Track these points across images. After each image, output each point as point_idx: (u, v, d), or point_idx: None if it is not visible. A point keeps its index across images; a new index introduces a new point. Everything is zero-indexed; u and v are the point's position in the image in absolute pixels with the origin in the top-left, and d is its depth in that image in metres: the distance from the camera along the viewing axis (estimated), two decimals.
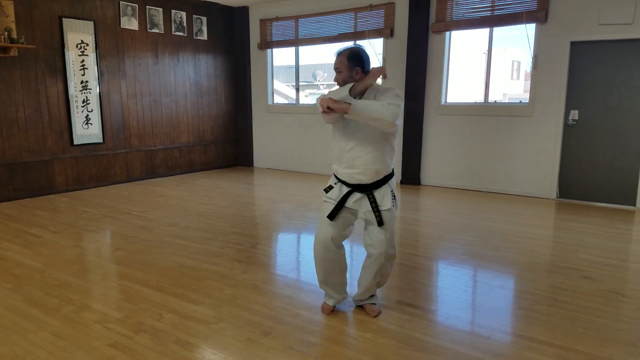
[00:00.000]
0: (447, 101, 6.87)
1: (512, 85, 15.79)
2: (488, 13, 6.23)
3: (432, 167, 7.01)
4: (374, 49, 7.37)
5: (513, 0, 6.04)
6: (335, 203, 2.72)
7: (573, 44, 5.76)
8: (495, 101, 6.77)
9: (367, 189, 2.69)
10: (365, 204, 2.70)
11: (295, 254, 4.19)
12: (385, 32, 7.05)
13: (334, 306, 2.90)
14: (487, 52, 6.47)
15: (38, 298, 3.10)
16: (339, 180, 2.76)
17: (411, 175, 7.11)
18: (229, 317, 2.83)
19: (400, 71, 7.01)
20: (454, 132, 6.75)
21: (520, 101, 6.35)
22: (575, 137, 5.90)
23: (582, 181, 5.92)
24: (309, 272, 3.58)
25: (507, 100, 8.29)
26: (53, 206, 5.71)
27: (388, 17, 7.03)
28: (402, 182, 7.17)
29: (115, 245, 4.26)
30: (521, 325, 2.75)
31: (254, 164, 9.06)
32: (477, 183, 6.65)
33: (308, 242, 4.46)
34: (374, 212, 2.66)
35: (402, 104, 2.56)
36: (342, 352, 2.45)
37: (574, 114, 5.86)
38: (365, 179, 2.67)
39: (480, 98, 6.68)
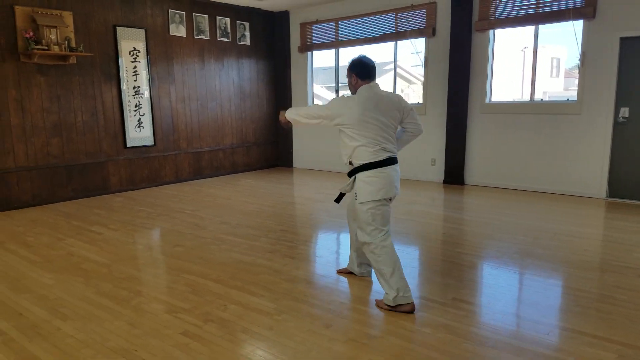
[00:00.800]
0: (492, 100, 6.83)
1: (551, 82, 15.44)
2: (533, 10, 6.17)
3: (476, 166, 6.97)
4: (415, 48, 7.40)
5: None
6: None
7: (623, 39, 5.63)
8: (542, 99, 6.69)
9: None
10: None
11: (345, 251, 4.28)
12: (427, 31, 7.07)
13: (347, 270, 3.56)
14: (526, 50, 6.41)
15: (108, 290, 3.31)
16: None
17: (454, 174, 7.10)
18: (288, 309, 2.95)
19: (443, 70, 7.02)
20: (499, 131, 6.70)
21: (568, 99, 6.25)
22: (626, 135, 5.77)
23: (634, 180, 5.77)
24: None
25: (547, 98, 8.15)
26: (109, 205, 6.00)
27: (430, 17, 7.05)
28: (445, 182, 7.16)
29: (173, 241, 4.46)
30: (580, 322, 2.75)
31: (294, 165, 9.22)
32: (523, 182, 6.58)
33: None
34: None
35: (326, 104, 3.11)
36: (404, 345, 2.52)
37: (625, 112, 5.73)
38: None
39: (521, 96, 6.61)
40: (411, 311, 2.87)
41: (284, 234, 4.62)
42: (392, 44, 7.64)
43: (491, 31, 6.62)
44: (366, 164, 2.95)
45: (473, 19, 6.65)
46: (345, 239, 4.68)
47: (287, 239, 4.45)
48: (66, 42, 5.94)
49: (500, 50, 6.84)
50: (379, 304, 2.97)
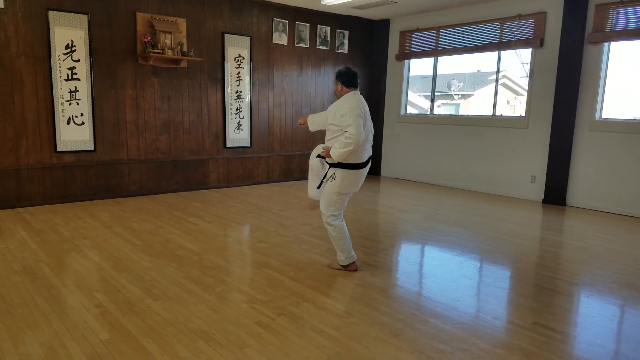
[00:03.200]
0: (602, 117, 6.28)
1: None
2: None
3: (580, 187, 6.45)
4: (521, 59, 7.06)
5: None
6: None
7: None
8: None
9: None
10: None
11: (423, 264, 4.20)
12: (535, 42, 6.70)
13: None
14: None
15: (196, 276, 3.56)
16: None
17: (556, 194, 6.62)
18: (358, 314, 2.97)
19: (549, 83, 6.61)
20: (609, 151, 6.14)
21: None
22: None
23: None
24: (438, 284, 3.58)
25: None
26: (206, 200, 6.44)
27: (538, 27, 6.67)
28: (544, 201, 6.71)
29: (258, 237, 4.68)
30: None
31: (381, 173, 9.18)
32: (633, 208, 5.95)
33: (435, 253, 4.44)
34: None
35: (354, 119, 3.35)
36: None
37: None
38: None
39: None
40: (355, 269, 3.73)
41: (363, 240, 4.64)
42: (496, 53, 7.36)
43: (606, 44, 6.11)
44: (350, 164, 3.50)
45: (586, 30, 6.18)
46: (428, 251, 4.60)
47: (366, 246, 4.47)
48: (179, 47, 6.49)
49: (617, 64, 6.28)
50: (332, 266, 3.78)
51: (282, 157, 8.03)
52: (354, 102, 3.44)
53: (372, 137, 3.66)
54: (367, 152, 3.58)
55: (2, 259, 3.84)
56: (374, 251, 4.32)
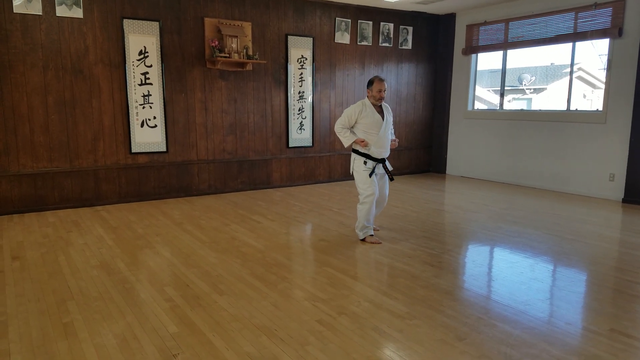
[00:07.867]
0: None
1: None
2: None
3: None
4: (597, 50, 6.60)
5: None
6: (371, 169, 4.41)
7: None
8: None
9: (382, 161, 4.52)
10: (380, 168, 4.52)
11: (490, 266, 4.04)
12: (612, 32, 6.24)
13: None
14: None
15: (260, 273, 3.64)
16: (370, 157, 4.41)
17: (637, 192, 6.14)
18: (422, 316, 2.91)
19: (630, 75, 6.14)
20: None
21: None
22: None
23: None
24: (507, 287, 3.43)
25: None
26: (269, 198, 6.58)
27: (616, 16, 6.21)
28: (624, 201, 6.26)
29: (319, 236, 4.71)
30: None
31: (447, 171, 8.93)
32: None
33: (504, 255, 4.25)
34: (388, 173, 4.58)
35: (344, 114, 4.44)
36: None
37: None
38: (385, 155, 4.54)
39: None
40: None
41: (426, 241, 4.54)
42: (569, 45, 6.94)
43: None
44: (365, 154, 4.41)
45: None
46: (497, 253, 4.42)
47: (429, 246, 4.36)
48: (244, 50, 6.67)
49: None
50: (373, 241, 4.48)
51: (344, 156, 8.03)
52: (363, 101, 4.40)
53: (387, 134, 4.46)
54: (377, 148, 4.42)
55: (82, 254, 4.14)
56: (438, 252, 4.21)
